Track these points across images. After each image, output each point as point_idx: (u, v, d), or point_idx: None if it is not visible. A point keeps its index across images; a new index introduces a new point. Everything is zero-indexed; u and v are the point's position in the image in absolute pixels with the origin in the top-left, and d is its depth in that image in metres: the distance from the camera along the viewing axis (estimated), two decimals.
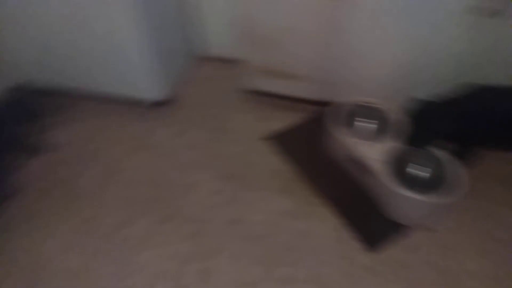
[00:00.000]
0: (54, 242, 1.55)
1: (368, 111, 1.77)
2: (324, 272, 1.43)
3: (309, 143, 1.87)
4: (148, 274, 1.44)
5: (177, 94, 2.14)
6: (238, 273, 1.43)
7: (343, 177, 1.72)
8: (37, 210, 1.66)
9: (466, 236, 1.52)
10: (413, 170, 1.64)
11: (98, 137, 1.96)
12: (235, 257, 1.47)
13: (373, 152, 1.56)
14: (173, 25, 2.09)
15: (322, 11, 1.63)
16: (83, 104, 2.13)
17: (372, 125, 1.78)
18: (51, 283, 1.43)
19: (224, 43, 2.27)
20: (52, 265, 1.48)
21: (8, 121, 1.90)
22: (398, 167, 1.60)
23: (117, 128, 2.00)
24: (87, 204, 1.67)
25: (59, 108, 2.10)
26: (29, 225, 1.61)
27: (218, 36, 2.26)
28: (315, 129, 1.90)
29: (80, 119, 2.06)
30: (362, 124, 1.81)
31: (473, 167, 1.62)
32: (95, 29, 1.78)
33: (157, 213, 1.62)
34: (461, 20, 1.49)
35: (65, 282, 1.43)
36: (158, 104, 2.07)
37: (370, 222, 1.57)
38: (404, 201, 1.47)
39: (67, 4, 1.71)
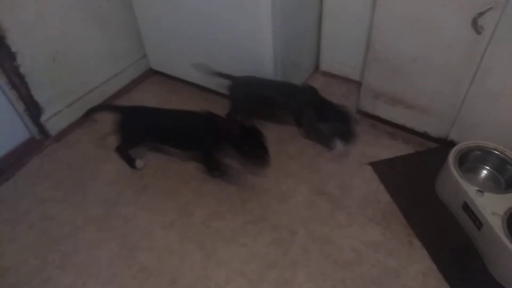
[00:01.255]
0: (155, 217, 1.68)
1: (496, 160, 1.62)
2: None
3: (417, 179, 1.76)
4: (229, 269, 1.49)
5: None
6: None
7: (449, 223, 1.58)
8: (147, 185, 1.82)
9: None
10: None
11: None
12: (316, 276, 1.45)
13: (494, 205, 1.41)
14: (303, 37, 2.14)
15: (461, 44, 1.52)
16: (206, 95, 2.30)
17: (498, 176, 1.62)
18: (144, 255, 1.56)
19: (342, 60, 2.26)
20: (148, 239, 1.61)
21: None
22: None
23: None
24: (189, 190, 1.79)
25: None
26: (137, 195, 1.77)
27: (337, 53, 2.26)
28: (427, 166, 1.78)
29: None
30: (487, 172, 1.66)
31: None
32: (227, 33, 1.91)
33: (249, 214, 1.67)
34: None
35: (154, 257, 1.55)
36: None
37: (470, 277, 1.42)
38: None
39: (208, 8, 1.86)
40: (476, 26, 1.43)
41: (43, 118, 1.98)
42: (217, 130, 1.70)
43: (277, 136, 2.02)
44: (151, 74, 2.48)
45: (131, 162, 1.88)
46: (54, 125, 2.04)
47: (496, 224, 1.36)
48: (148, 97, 2.34)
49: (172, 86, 2.39)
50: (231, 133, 1.67)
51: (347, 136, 1.83)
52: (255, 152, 1.71)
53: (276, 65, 1.91)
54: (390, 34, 1.69)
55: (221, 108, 2.19)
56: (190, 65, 2.13)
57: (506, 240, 1.31)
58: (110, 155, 1.94)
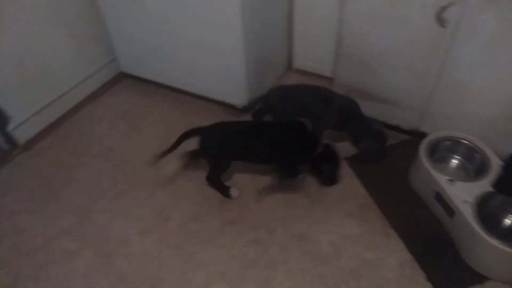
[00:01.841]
0: (131, 223, 1.65)
1: (465, 150, 1.67)
2: None
3: (392, 171, 1.79)
4: (208, 272, 1.47)
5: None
6: None
7: (423, 213, 1.61)
8: (121, 191, 1.78)
9: None
10: (505, 218, 1.52)
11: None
12: (296, 273, 1.46)
13: (464, 193, 1.45)
14: (275, 34, 2.15)
15: (427, 38, 1.56)
16: (180, 96, 2.27)
17: (467, 164, 1.67)
18: (121, 263, 1.53)
19: (314, 57, 2.27)
20: (125, 246, 1.58)
21: None
22: (490, 214, 1.47)
23: None
24: (165, 194, 1.76)
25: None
26: (112, 202, 1.74)
27: (309, 50, 2.27)
28: (400, 158, 1.81)
29: (173, 112, 2.19)
30: (457, 161, 1.70)
31: None
32: (198, 35, 1.89)
33: (227, 215, 1.66)
34: None
35: (132, 264, 1.52)
36: (246, 110, 2.11)
37: (445, 265, 1.46)
38: (490, 251, 1.34)
39: (178, 7, 1.83)
40: (440, 20, 1.47)
41: (10, 127, 1.92)
42: (308, 142, 1.66)
43: None
44: (122, 77, 2.44)
45: (225, 191, 1.72)
46: (22, 134, 1.98)
47: (467, 211, 1.40)
48: (120, 101, 2.29)
49: (144, 89, 2.35)
50: (315, 147, 1.65)
51: (380, 155, 1.81)
52: (330, 172, 1.71)
53: (249, 64, 1.90)
54: (359, 30, 1.72)
55: (195, 109, 2.18)
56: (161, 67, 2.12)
57: (476, 227, 1.35)
58: (83, 161, 1.90)
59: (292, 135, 1.65)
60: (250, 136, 1.63)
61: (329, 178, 1.73)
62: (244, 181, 1.79)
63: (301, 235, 1.58)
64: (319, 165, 1.69)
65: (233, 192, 1.72)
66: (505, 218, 1.51)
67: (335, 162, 1.69)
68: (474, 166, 1.63)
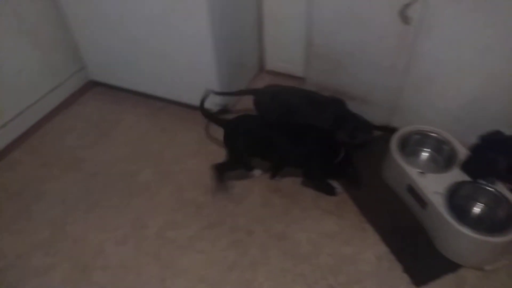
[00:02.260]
0: (108, 233, 1.62)
1: (434, 142, 1.72)
2: None
3: (365, 167, 1.81)
4: (188, 278, 1.46)
5: (235, 104, 2.17)
6: None
7: (397, 206, 1.65)
8: (96, 201, 1.74)
9: None
10: (474, 207, 1.57)
11: (160, 138, 2.04)
12: (276, 273, 1.46)
13: (435, 185, 1.49)
14: (245, 36, 2.15)
15: (392, 35, 1.60)
16: (152, 102, 2.25)
17: (437, 156, 1.72)
18: (98, 275, 1.49)
19: (285, 58, 2.29)
20: (101, 257, 1.54)
21: None
22: (459, 202, 1.52)
23: (180, 131, 2.07)
24: (140, 202, 1.73)
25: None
26: (86, 214, 1.70)
27: (280, 51, 2.29)
28: (373, 154, 1.84)
29: (146, 118, 2.16)
30: (427, 154, 1.75)
31: None
32: (167, 40, 1.87)
33: (205, 219, 1.65)
34: None
35: (109, 275, 1.49)
36: (222, 112, 2.11)
37: (420, 256, 1.50)
38: (461, 239, 1.39)
39: (145, 12, 1.81)
40: (403, 17, 1.51)
41: None
42: (332, 145, 1.63)
43: None
44: (92, 85, 2.39)
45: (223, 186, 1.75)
46: None
47: (438, 202, 1.44)
48: (90, 110, 2.25)
49: (115, 97, 2.32)
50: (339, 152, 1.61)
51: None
52: (355, 176, 1.69)
53: (220, 67, 1.90)
54: (327, 30, 1.75)
55: (168, 115, 2.16)
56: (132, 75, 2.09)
57: (448, 216, 1.39)
58: (54, 173, 1.85)
59: (315, 136, 1.63)
60: (271, 131, 1.62)
61: (356, 181, 1.71)
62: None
63: (280, 235, 1.58)
64: (345, 170, 1.66)
65: (256, 172, 1.78)
66: (474, 206, 1.56)
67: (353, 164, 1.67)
68: (443, 158, 1.69)
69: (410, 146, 1.74)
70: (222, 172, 1.72)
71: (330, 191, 1.72)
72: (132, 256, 1.53)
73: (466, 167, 1.53)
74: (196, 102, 2.10)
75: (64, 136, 2.08)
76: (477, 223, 1.51)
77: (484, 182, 1.50)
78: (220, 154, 1.90)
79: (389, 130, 1.85)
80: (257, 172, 1.78)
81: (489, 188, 1.49)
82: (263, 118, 1.77)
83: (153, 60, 2.01)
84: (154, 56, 1.99)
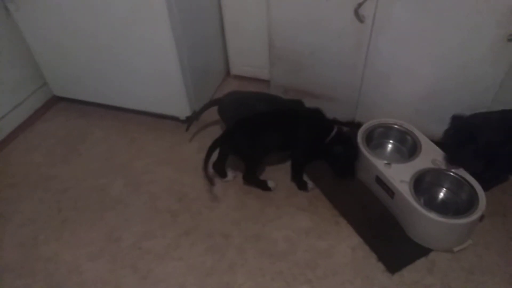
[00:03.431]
0: (81, 249, 1.59)
1: (397, 134, 1.78)
2: None
3: None
4: (169, 286, 1.45)
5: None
6: None
7: (367, 198, 1.70)
8: (67, 218, 1.71)
9: (491, 260, 1.48)
10: (439, 192, 1.64)
11: (129, 149, 2.03)
12: (255, 273, 1.47)
13: (401, 174, 1.55)
14: (208, 44, 2.17)
15: (349, 34, 1.66)
16: (119, 114, 2.22)
17: (401, 147, 1.79)
18: None
19: (250, 62, 2.33)
20: (77, 274, 1.51)
21: None
22: (426, 189, 1.59)
23: (149, 141, 2.06)
24: (113, 215, 1.71)
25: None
26: (58, 231, 1.66)
27: (244, 56, 2.32)
28: None
29: (114, 130, 2.13)
30: (392, 145, 1.82)
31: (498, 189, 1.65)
32: (130, 50, 1.86)
33: (181, 226, 1.64)
34: (498, 47, 1.48)
35: None
36: (189, 120, 2.11)
37: (392, 244, 1.55)
38: (429, 224, 1.45)
39: (105, 24, 1.80)
40: (358, 15, 1.57)
41: None
42: (320, 126, 1.67)
43: (197, 144, 2.02)
44: (56, 101, 2.34)
45: (264, 185, 1.76)
46: None
47: (405, 190, 1.50)
48: (56, 126, 2.20)
49: (81, 111, 2.28)
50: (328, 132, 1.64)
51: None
52: (344, 162, 1.67)
53: (185, 75, 1.91)
54: (287, 33, 1.79)
55: (136, 125, 2.15)
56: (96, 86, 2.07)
57: (415, 203, 1.45)
58: (22, 193, 1.80)
59: (303, 119, 1.68)
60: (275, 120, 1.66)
61: (343, 169, 1.71)
62: (195, 191, 1.79)
63: (256, 235, 1.60)
64: (333, 153, 1.66)
65: (270, 183, 1.76)
66: (439, 192, 1.63)
67: (350, 150, 1.67)
68: (407, 148, 1.76)
69: (375, 139, 1.80)
70: (252, 176, 1.75)
71: (303, 186, 1.75)
72: (109, 270, 1.51)
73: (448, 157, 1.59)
74: (164, 110, 2.11)
75: (30, 155, 2.03)
76: (443, 208, 1.58)
77: (446, 168, 1.57)
78: (191, 162, 1.91)
79: (355, 126, 1.92)
80: (271, 184, 1.77)
81: (451, 173, 1.56)
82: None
83: (118, 72, 1.99)
84: (118, 68, 1.97)
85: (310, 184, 1.76)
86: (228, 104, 1.85)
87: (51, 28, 1.92)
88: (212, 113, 1.95)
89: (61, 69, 2.12)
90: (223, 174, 1.79)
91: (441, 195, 1.62)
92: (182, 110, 2.05)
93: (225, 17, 2.17)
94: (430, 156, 1.61)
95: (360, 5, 1.54)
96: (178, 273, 1.49)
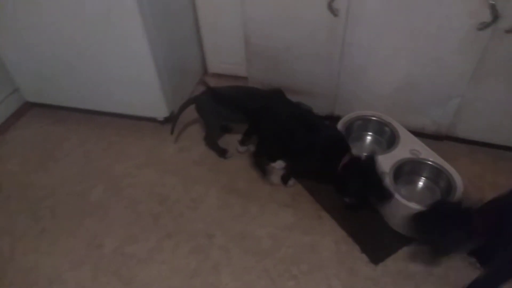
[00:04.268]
0: (62, 258, 1.55)
1: (376, 125, 1.80)
2: (330, 284, 1.42)
3: None
4: None
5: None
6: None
7: None
8: (46, 226, 1.66)
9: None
10: (418, 182, 1.66)
11: (107, 153, 1.98)
12: (240, 272, 1.47)
13: (380, 165, 1.56)
14: (184, 43, 2.14)
15: (324, 27, 1.66)
16: (95, 118, 2.17)
17: (380, 138, 1.81)
18: None
19: (227, 60, 2.31)
20: (58, 284, 1.48)
21: None
22: (405, 179, 1.61)
23: (127, 144, 2.02)
24: (94, 221, 1.68)
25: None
26: (36, 241, 1.61)
27: (221, 54, 2.30)
28: None
29: (91, 134, 2.09)
30: (371, 137, 1.83)
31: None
32: (104, 53, 1.82)
33: (163, 229, 1.62)
34: (469, 36, 1.50)
35: None
36: (168, 120, 2.08)
37: (375, 235, 1.57)
38: (408, 212, 1.47)
39: (78, 26, 1.75)
40: (332, 9, 1.57)
41: None
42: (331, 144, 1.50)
43: (177, 145, 2.00)
44: (29, 107, 2.27)
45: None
46: None
47: (385, 181, 1.51)
48: (30, 133, 2.14)
49: (55, 116, 2.21)
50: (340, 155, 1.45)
51: None
52: (360, 197, 1.49)
53: (161, 75, 1.88)
54: (263, 29, 1.78)
55: (114, 129, 2.11)
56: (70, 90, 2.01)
57: (396, 193, 1.46)
58: None
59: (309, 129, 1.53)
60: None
61: (359, 204, 1.57)
62: (176, 192, 1.77)
63: (240, 234, 1.59)
64: (343, 183, 1.48)
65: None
66: (418, 181, 1.66)
67: (370, 183, 1.44)
68: (386, 139, 1.78)
69: (354, 131, 1.82)
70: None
71: (285, 181, 1.76)
72: (91, 278, 1.48)
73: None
74: (142, 112, 2.07)
75: (4, 164, 1.97)
76: (421, 196, 1.60)
77: (423, 157, 1.60)
78: (171, 163, 1.89)
79: (334, 119, 1.92)
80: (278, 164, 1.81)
81: (429, 162, 1.59)
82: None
83: (92, 75, 1.94)
84: (92, 70, 1.92)
85: (291, 180, 1.76)
86: (206, 101, 1.83)
87: (21, 32, 1.85)
88: (190, 113, 1.93)
89: (33, 74, 2.05)
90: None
91: (421, 184, 1.65)
92: (160, 111, 2.02)
93: (200, 16, 2.14)
94: (408, 146, 1.63)
95: None
96: (162, 277, 1.47)
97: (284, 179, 1.75)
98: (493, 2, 1.37)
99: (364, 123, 1.81)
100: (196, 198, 1.74)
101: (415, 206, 1.43)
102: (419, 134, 1.76)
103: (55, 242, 1.61)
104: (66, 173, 1.89)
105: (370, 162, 1.45)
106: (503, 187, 1.68)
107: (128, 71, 1.86)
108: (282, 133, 1.57)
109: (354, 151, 1.62)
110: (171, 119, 2.00)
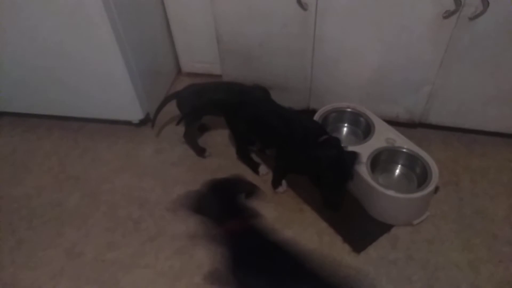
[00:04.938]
0: (41, 269, 1.51)
1: (351, 116, 1.82)
2: None
3: None
4: None
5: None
6: None
7: None
8: (22, 238, 1.62)
9: (448, 228, 1.56)
10: (395, 169, 1.70)
11: (82, 159, 1.94)
12: None
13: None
14: (155, 43, 2.11)
15: (294, 22, 1.67)
16: (68, 124, 2.12)
17: (356, 129, 1.83)
18: None
19: (201, 58, 2.29)
20: None
21: None
22: (382, 168, 1.64)
23: (102, 149, 1.99)
24: (72, 229, 1.64)
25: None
26: (11, 256, 1.57)
27: (194, 52, 2.28)
28: None
29: (64, 141, 2.03)
30: (347, 128, 1.86)
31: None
32: (72, 57, 1.77)
33: (145, 233, 1.60)
34: (435, 25, 1.54)
35: None
36: (143, 122, 2.05)
37: (356, 225, 1.59)
38: (388, 201, 1.50)
39: (42, 32, 1.70)
40: (301, 4, 1.58)
41: None
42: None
43: (154, 147, 1.97)
44: None
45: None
46: None
47: (362, 171, 1.54)
48: (3, 143, 2.07)
49: (25, 125, 2.15)
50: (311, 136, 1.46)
51: None
52: (330, 185, 1.45)
53: (133, 77, 1.84)
54: (233, 26, 1.77)
55: (88, 133, 2.06)
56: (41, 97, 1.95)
57: (373, 182, 1.50)
58: None
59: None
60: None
61: (328, 194, 1.51)
62: (155, 195, 1.75)
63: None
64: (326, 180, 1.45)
65: (262, 169, 1.80)
66: (395, 168, 1.69)
67: (344, 167, 1.41)
68: (361, 129, 1.80)
69: (330, 124, 1.83)
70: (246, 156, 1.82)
71: (255, 169, 1.79)
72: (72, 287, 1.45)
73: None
74: (115, 116, 2.03)
75: None
76: (399, 183, 1.64)
77: (398, 145, 1.63)
78: (148, 166, 1.87)
79: (310, 113, 1.94)
80: (262, 169, 1.80)
81: (404, 150, 1.62)
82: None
83: (61, 80, 1.88)
84: (61, 75, 1.86)
85: (264, 169, 1.78)
86: (187, 96, 1.81)
87: None
88: (166, 115, 1.91)
89: None
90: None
91: (397, 171, 1.68)
92: (135, 113, 1.99)
93: (169, 14, 2.11)
94: (384, 135, 1.66)
95: None
96: (146, 281, 1.45)
97: (274, 184, 1.75)
98: None
99: (340, 115, 1.83)
100: (176, 200, 1.72)
101: (393, 194, 1.46)
102: (393, 122, 1.80)
103: (33, 254, 1.56)
104: (40, 183, 1.84)
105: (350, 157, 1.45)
106: (477, 170, 1.77)
107: (98, 74, 1.82)
108: (260, 125, 1.62)
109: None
110: (146, 121, 1.98)
